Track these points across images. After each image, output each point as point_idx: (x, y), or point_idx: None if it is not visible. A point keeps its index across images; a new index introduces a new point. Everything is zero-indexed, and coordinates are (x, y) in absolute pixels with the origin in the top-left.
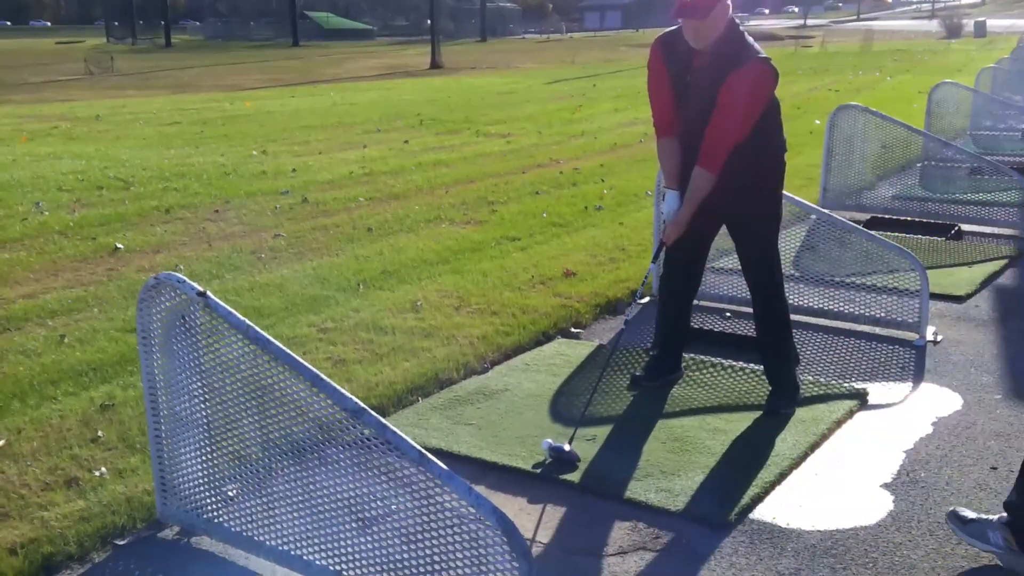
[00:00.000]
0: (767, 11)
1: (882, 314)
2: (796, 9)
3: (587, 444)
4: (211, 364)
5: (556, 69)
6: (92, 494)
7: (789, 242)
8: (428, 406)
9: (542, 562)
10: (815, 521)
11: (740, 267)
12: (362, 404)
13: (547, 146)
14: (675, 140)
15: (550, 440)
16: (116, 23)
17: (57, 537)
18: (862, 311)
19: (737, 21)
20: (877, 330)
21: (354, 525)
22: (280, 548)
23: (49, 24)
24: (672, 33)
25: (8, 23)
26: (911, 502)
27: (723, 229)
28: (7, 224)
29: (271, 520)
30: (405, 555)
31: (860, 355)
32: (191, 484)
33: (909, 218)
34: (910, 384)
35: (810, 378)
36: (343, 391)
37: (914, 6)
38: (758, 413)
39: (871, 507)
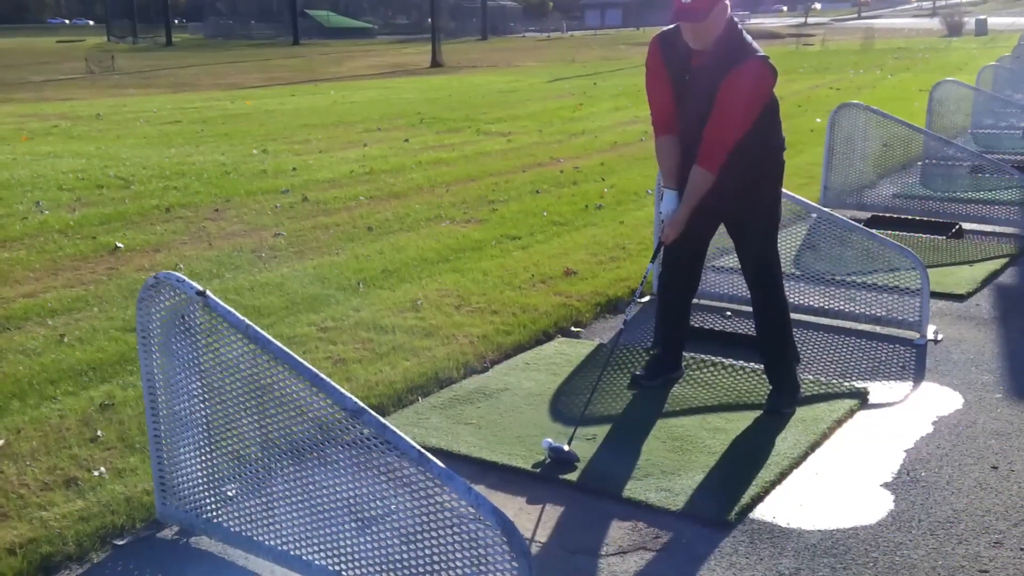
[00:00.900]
0: (785, 8)
1: (883, 313)
2: (785, 8)
3: (587, 443)
4: (211, 364)
5: (557, 67)
6: (91, 494)
7: (790, 241)
8: (428, 405)
9: (542, 562)
10: (815, 521)
11: (740, 266)
12: (362, 404)
13: (548, 145)
14: (674, 139)
15: (550, 440)
16: (120, 21)
17: (56, 537)
18: (863, 310)
19: (736, 20)
20: (878, 329)
21: (354, 525)
22: (280, 548)
23: (67, 22)
24: (671, 31)
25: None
26: (912, 501)
27: (723, 228)
28: (7, 223)
29: (271, 520)
30: (405, 555)
31: (861, 354)
32: (190, 484)
33: (910, 216)
34: (911, 383)
35: (811, 377)
36: (343, 391)
37: (915, 4)
38: (758, 412)
39: (872, 506)
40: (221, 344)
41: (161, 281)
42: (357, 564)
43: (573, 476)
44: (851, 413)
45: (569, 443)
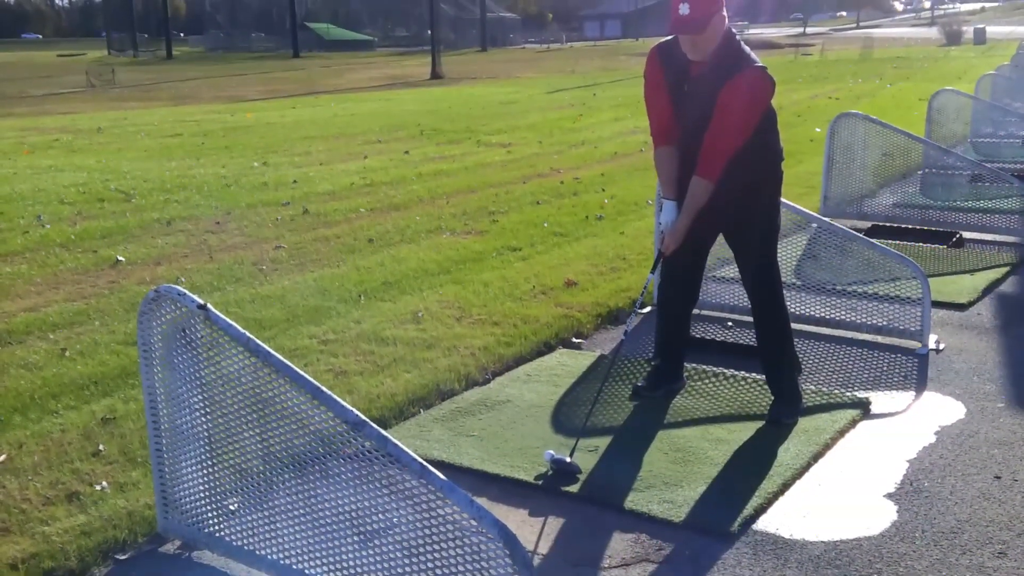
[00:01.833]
0: (801, 15)
1: (884, 322)
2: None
3: (589, 455)
4: (212, 377)
5: (556, 78)
6: (93, 508)
7: (790, 251)
8: (429, 418)
9: (544, 574)
10: (819, 532)
11: (740, 276)
12: (363, 416)
13: (548, 155)
14: (673, 149)
15: (552, 451)
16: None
17: (58, 552)
18: (864, 320)
19: (734, 31)
20: (879, 339)
21: (356, 538)
22: (282, 562)
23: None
24: (669, 42)
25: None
26: (915, 512)
27: (723, 238)
28: (9, 237)
29: (273, 534)
30: (407, 568)
31: (862, 364)
32: (192, 498)
33: (910, 226)
34: (913, 393)
35: (812, 387)
36: (344, 403)
37: (913, 14)
38: (760, 423)
39: (875, 517)
40: (222, 357)
41: (162, 295)
42: None
43: (575, 488)
44: (853, 423)
45: (571, 455)
